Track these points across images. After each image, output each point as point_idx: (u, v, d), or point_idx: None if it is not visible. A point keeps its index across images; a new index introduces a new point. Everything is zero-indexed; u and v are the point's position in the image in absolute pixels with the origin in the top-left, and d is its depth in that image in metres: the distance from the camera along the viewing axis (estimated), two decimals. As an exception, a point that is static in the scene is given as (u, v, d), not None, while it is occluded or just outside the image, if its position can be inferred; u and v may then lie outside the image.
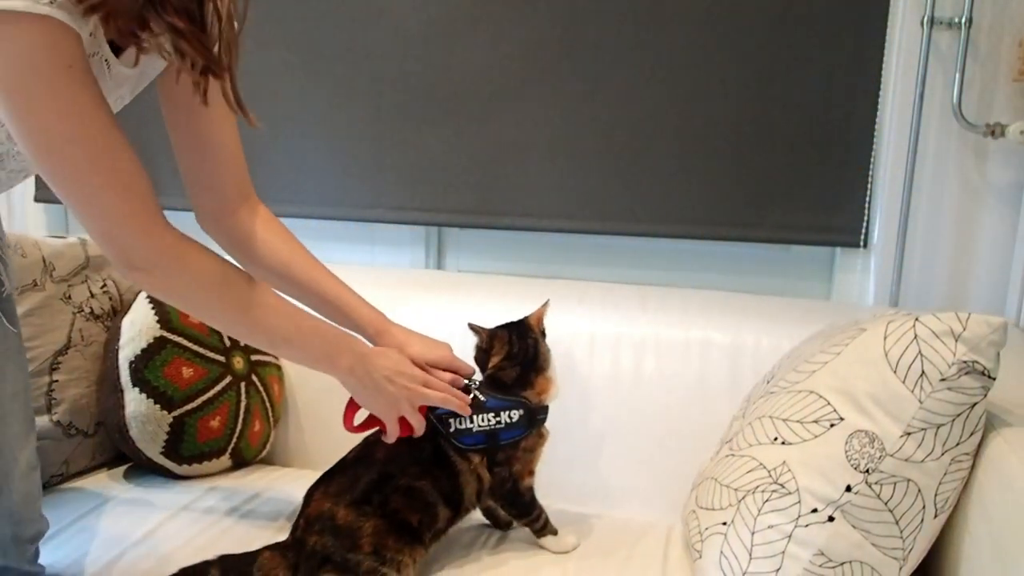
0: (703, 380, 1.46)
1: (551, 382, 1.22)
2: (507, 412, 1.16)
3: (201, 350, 1.47)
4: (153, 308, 1.46)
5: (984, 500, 0.98)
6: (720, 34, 1.63)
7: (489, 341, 1.24)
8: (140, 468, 1.48)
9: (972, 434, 0.99)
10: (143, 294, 1.49)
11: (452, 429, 1.15)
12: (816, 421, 1.05)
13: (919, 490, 0.98)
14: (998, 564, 0.91)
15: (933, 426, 0.98)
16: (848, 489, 0.99)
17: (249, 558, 1.10)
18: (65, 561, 1.17)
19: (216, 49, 0.92)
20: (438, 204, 1.80)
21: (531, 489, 1.21)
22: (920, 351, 0.99)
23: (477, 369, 1.22)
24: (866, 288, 1.66)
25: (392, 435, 1.13)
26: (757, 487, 1.06)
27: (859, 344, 1.07)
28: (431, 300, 1.62)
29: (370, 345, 1.13)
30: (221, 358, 1.50)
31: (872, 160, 1.61)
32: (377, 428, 1.15)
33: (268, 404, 1.57)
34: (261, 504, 1.37)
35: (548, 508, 1.23)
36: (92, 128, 0.85)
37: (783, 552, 1.01)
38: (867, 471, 0.99)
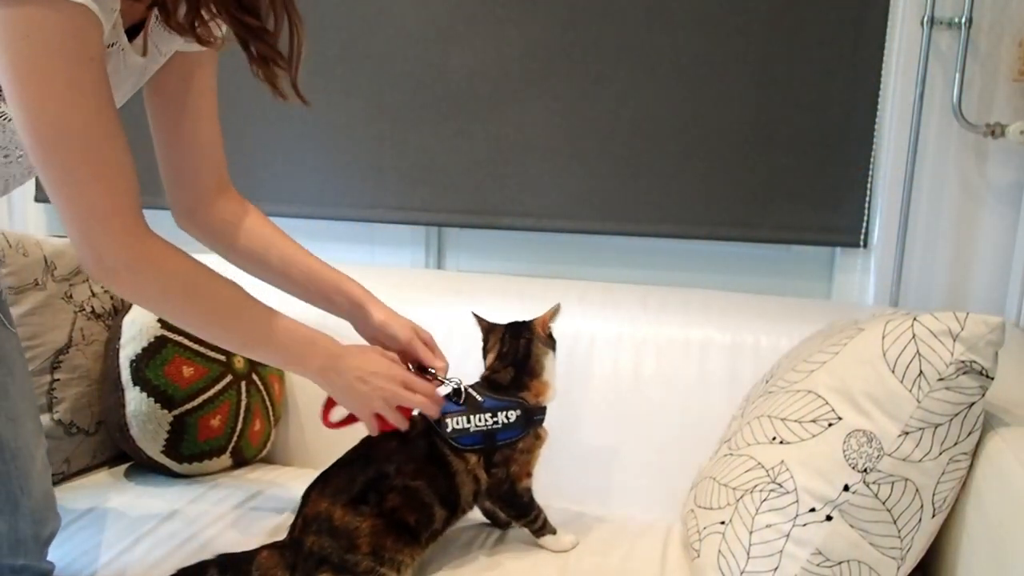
0: (703, 380, 1.46)
1: (547, 386, 1.21)
2: (504, 412, 1.16)
3: (202, 349, 1.47)
4: (154, 307, 1.47)
5: (982, 500, 0.98)
6: (720, 34, 1.63)
7: (485, 335, 1.24)
8: (141, 467, 1.49)
9: (970, 434, 0.99)
10: (144, 293, 1.50)
11: (449, 429, 1.15)
12: (814, 421, 1.05)
13: (917, 489, 0.98)
14: (996, 563, 0.91)
15: (931, 426, 0.98)
16: (846, 488, 0.99)
17: (247, 557, 1.10)
18: (66, 559, 1.17)
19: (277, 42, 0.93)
20: (438, 204, 1.81)
21: (529, 490, 1.21)
22: (918, 351, 0.99)
23: (446, 366, 1.19)
24: (866, 288, 1.66)
25: (372, 431, 1.13)
26: (755, 486, 1.06)
27: (857, 344, 1.07)
28: (431, 300, 1.63)
29: (343, 344, 1.11)
30: (222, 357, 1.50)
31: (872, 160, 1.61)
32: (356, 423, 1.16)
33: (268, 403, 1.57)
34: (261, 503, 1.37)
35: (547, 507, 1.23)
36: (100, 122, 0.86)
37: (781, 551, 1.01)
38: (865, 471, 0.99)
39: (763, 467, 1.07)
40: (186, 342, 1.46)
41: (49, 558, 1.06)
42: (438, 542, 1.17)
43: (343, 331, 1.18)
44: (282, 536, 1.15)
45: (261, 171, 1.87)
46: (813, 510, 1.00)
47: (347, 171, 1.84)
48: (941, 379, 0.97)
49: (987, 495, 0.97)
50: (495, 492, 1.19)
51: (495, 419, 1.16)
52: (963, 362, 0.97)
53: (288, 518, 1.26)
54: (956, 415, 0.98)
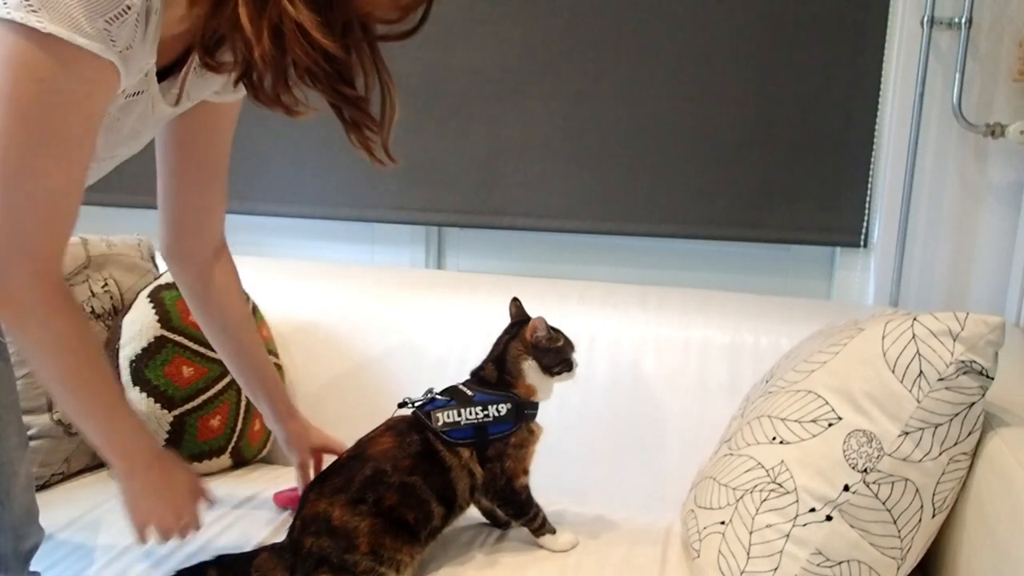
0: (703, 380, 1.46)
1: (533, 390, 1.21)
2: (495, 406, 1.17)
3: (202, 349, 1.47)
4: (154, 307, 1.47)
5: (982, 500, 0.98)
6: (720, 34, 1.63)
7: (511, 326, 1.26)
8: (140, 467, 1.49)
9: (970, 434, 0.99)
10: (144, 293, 1.50)
11: (440, 423, 1.15)
12: (814, 420, 1.05)
13: (917, 489, 0.98)
14: (996, 563, 0.91)
15: (931, 426, 0.97)
16: (846, 488, 0.99)
17: (247, 558, 1.10)
18: (65, 559, 1.17)
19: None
20: (438, 204, 1.81)
21: (527, 488, 1.21)
22: (918, 351, 0.99)
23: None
24: (866, 288, 1.66)
25: (137, 536, 1.05)
26: (755, 486, 1.06)
27: (857, 344, 1.07)
28: (431, 300, 1.63)
29: (165, 453, 1.07)
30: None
31: (872, 160, 1.61)
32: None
33: (268, 403, 1.57)
34: (261, 504, 1.37)
35: (547, 507, 1.23)
36: (72, 175, 0.84)
37: (781, 551, 1.01)
38: (865, 471, 0.99)
39: (763, 467, 1.07)
40: (186, 342, 1.46)
41: (48, 558, 1.06)
42: (437, 541, 1.17)
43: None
44: (281, 537, 1.15)
45: (261, 171, 1.87)
46: (813, 510, 1.00)
47: (347, 171, 1.84)
48: (941, 379, 0.97)
49: (987, 495, 0.97)
50: (491, 488, 1.19)
51: (486, 412, 1.16)
52: (963, 362, 0.97)
53: (288, 519, 1.26)
54: (956, 415, 0.98)
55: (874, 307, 1.60)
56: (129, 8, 0.77)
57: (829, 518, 0.99)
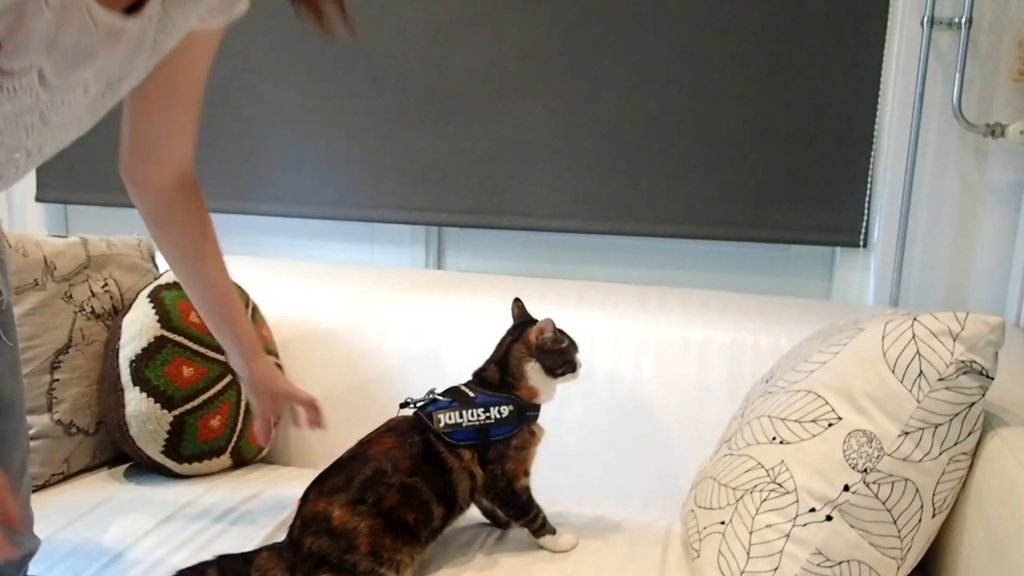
0: (703, 380, 1.46)
1: (536, 392, 1.21)
2: (497, 408, 1.17)
3: (201, 349, 1.47)
4: (154, 307, 1.47)
5: (982, 500, 0.98)
6: (720, 34, 1.63)
7: (514, 328, 1.25)
8: (140, 467, 1.49)
9: (970, 434, 0.99)
10: (144, 293, 1.50)
11: (441, 425, 1.15)
12: (814, 421, 1.05)
13: (917, 490, 0.98)
14: (996, 563, 0.91)
15: (931, 426, 0.97)
16: (846, 488, 0.99)
17: (247, 558, 1.10)
18: (65, 560, 1.17)
19: None
20: (438, 204, 1.81)
21: (527, 489, 1.21)
22: (918, 351, 0.99)
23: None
24: (866, 288, 1.67)
25: None
26: (755, 486, 1.06)
27: (857, 344, 1.07)
28: (431, 300, 1.63)
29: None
30: (221, 357, 1.50)
31: (872, 160, 1.61)
32: None
33: (268, 403, 1.57)
34: (261, 504, 1.37)
35: (547, 507, 1.23)
36: None
37: (781, 551, 1.01)
38: (865, 471, 0.99)
39: (763, 467, 1.07)
40: (186, 342, 1.46)
41: (48, 559, 1.06)
42: (437, 541, 1.17)
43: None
44: (282, 537, 1.15)
45: (261, 171, 1.87)
46: (813, 510, 1.00)
47: (347, 171, 1.84)
48: (941, 379, 0.97)
49: (987, 495, 0.97)
50: (492, 490, 1.19)
51: (487, 414, 1.16)
52: (963, 362, 0.97)
53: (288, 519, 1.26)
54: (956, 415, 0.97)
55: (874, 307, 1.60)
56: None
57: (829, 518, 0.99)
